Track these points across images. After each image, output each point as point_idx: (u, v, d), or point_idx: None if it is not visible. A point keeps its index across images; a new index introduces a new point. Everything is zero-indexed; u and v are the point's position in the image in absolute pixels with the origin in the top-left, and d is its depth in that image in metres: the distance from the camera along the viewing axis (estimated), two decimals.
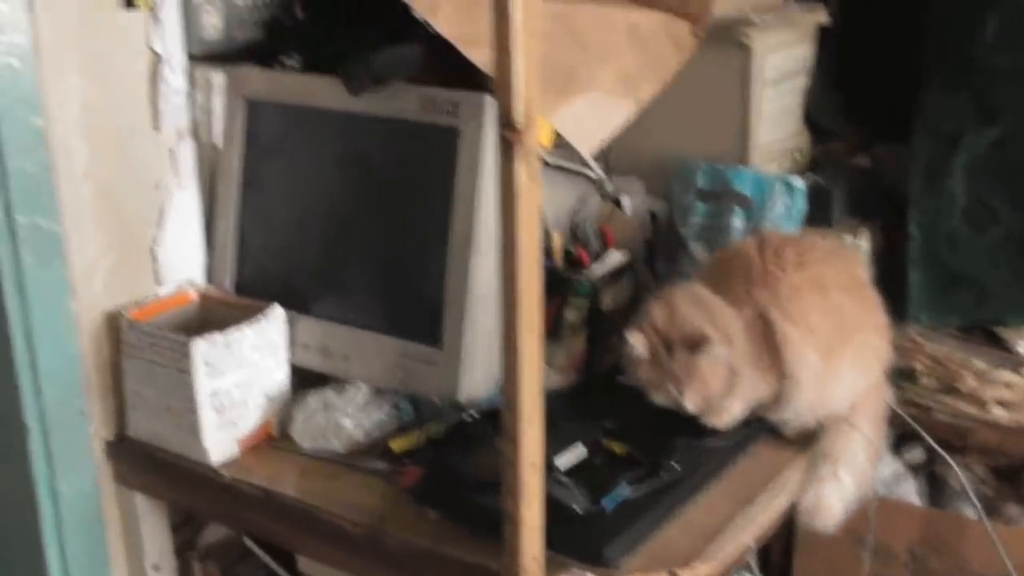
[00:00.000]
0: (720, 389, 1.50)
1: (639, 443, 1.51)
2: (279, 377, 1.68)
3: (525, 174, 1.18)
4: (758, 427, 1.59)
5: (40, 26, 1.54)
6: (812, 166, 2.18)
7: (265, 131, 1.75)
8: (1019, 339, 1.92)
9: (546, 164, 1.80)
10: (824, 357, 1.54)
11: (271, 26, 1.81)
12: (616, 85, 1.70)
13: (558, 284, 1.75)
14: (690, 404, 1.50)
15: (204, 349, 1.57)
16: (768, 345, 1.52)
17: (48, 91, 1.56)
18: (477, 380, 1.58)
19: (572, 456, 1.47)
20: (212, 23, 1.74)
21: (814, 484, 1.55)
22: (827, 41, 2.15)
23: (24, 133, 1.54)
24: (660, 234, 2.03)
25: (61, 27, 1.57)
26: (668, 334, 1.49)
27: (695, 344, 1.47)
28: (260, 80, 1.75)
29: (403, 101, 1.60)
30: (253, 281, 1.77)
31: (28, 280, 1.59)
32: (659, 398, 1.52)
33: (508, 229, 1.19)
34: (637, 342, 1.50)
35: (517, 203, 1.18)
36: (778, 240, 1.61)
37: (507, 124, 1.17)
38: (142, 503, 1.74)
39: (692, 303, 1.52)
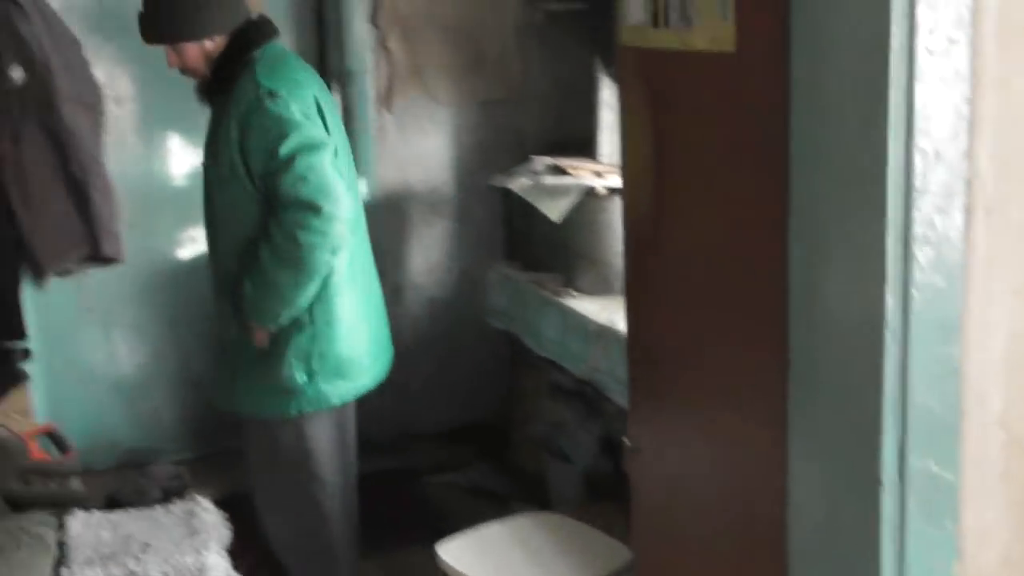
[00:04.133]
0: None
1: None
2: None
3: None
4: None
5: (976, 242, 1.30)
6: None
7: None
8: None
9: None
10: None
11: None
12: None
13: None
14: None
15: None
16: None
17: (971, 318, 1.31)
18: None
19: None
20: None
21: None
22: None
23: (936, 364, 1.31)
24: None
25: (998, 244, 1.31)
26: None
27: None
28: None
29: None
30: None
31: (909, 534, 1.34)
32: None
33: None
34: None
35: None
36: None
37: None
38: None
39: None
